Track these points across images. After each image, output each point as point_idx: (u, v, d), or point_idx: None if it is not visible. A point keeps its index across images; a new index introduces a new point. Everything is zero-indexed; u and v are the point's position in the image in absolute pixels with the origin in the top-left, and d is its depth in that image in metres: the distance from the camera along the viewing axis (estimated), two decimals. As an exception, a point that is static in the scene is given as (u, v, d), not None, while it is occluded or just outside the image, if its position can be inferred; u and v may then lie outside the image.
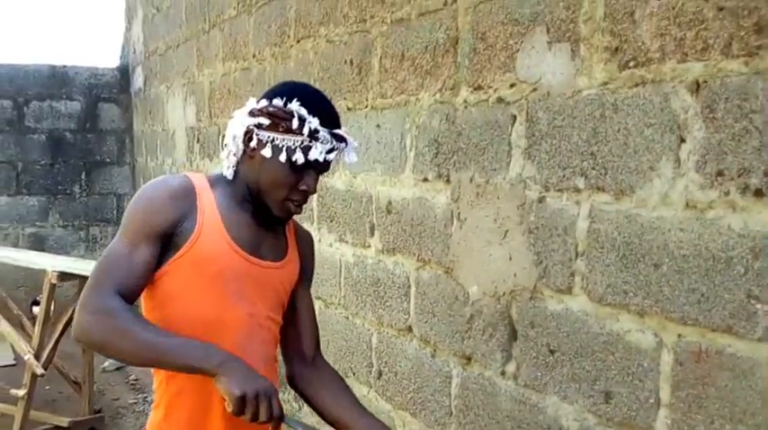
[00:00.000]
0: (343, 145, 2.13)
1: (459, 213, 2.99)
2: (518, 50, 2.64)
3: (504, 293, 2.76)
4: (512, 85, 2.67)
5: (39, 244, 9.06)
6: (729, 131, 1.93)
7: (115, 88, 9.48)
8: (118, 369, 7.08)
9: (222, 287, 2.09)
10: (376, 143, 3.59)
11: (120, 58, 9.76)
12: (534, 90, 2.57)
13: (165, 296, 2.11)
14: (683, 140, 2.05)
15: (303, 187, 2.10)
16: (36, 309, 6.24)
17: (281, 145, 2.06)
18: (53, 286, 5.54)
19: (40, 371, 5.35)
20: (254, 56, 5.10)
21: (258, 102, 2.12)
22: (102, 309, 1.93)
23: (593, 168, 2.34)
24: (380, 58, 3.51)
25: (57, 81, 9.15)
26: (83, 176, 9.35)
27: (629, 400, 2.26)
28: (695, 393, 2.05)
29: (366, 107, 3.66)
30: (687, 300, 2.06)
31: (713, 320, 1.99)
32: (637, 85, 2.19)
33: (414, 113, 3.27)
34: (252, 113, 2.10)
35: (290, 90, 2.13)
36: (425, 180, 3.21)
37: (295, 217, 2.29)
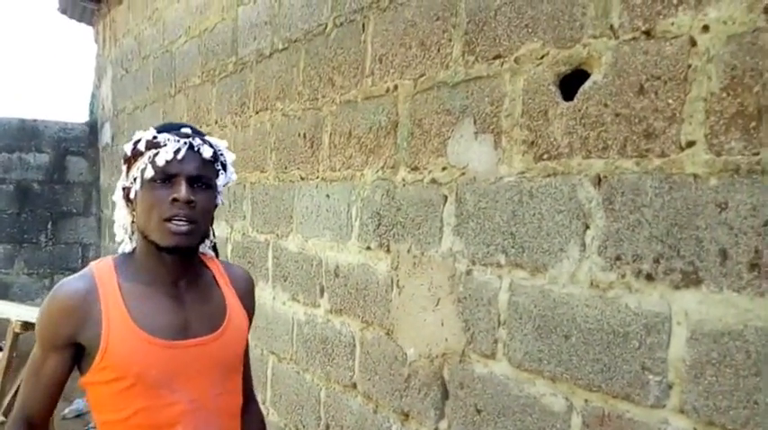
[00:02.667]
0: (191, 139, 1.97)
1: (398, 280, 3.19)
2: (449, 137, 2.86)
3: (437, 356, 2.95)
4: (444, 168, 2.89)
5: (3, 290, 9.06)
6: (625, 221, 2.16)
7: (83, 142, 9.53)
8: (77, 416, 7.12)
9: (150, 386, 1.91)
10: (326, 211, 3.77)
11: (90, 113, 9.82)
12: (463, 174, 2.79)
13: (98, 404, 1.99)
14: (587, 227, 2.29)
15: (173, 196, 1.89)
16: (-1, 355, 6.27)
17: (136, 174, 1.95)
18: (16, 335, 5.60)
19: (0, 418, 5.41)
20: (216, 122, 5.24)
21: None
22: None
23: (513, 247, 2.57)
24: (330, 134, 3.71)
25: (26, 134, 9.20)
26: (49, 226, 9.36)
27: (544, 458, 2.45)
28: (600, 453, 2.25)
29: (317, 178, 3.84)
30: (592, 368, 2.28)
31: (614, 388, 2.21)
32: (549, 175, 2.42)
33: (359, 187, 3.46)
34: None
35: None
36: (369, 248, 3.40)
37: (228, 264, 2.28)
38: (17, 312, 6.01)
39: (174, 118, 6.16)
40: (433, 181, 2.95)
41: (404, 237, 3.14)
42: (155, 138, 1.95)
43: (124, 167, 2.03)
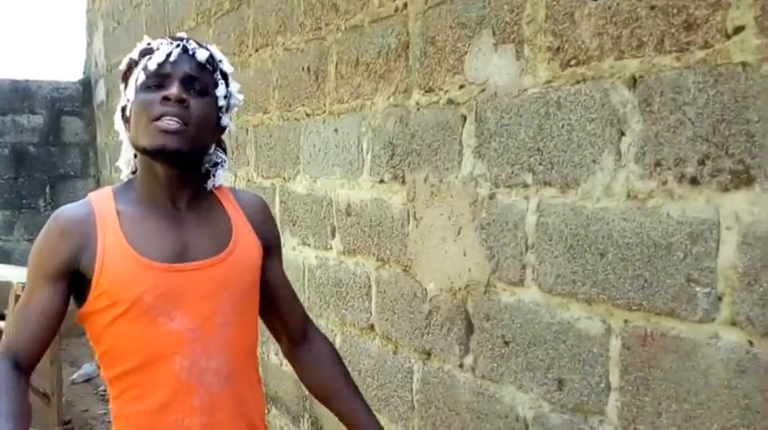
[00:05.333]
0: (184, 42, 1.87)
1: (414, 213, 3.05)
2: (466, 53, 2.71)
3: (459, 288, 2.82)
4: (461, 87, 2.75)
5: (4, 258, 8.94)
6: (665, 123, 2.01)
7: (78, 101, 9.40)
8: (87, 381, 7.06)
9: (145, 312, 1.82)
10: (334, 147, 3.64)
11: (83, 71, 9.70)
12: (482, 90, 2.64)
13: (95, 336, 1.89)
14: (622, 134, 2.14)
15: (164, 93, 1.79)
16: (1, 324, 6.17)
17: (132, 84, 1.86)
18: (18, 298, 5.51)
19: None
20: (213, 65, 5.08)
21: None
22: None
23: (540, 164, 2.42)
24: (336, 64, 3.57)
25: (19, 95, 9.07)
26: (47, 190, 9.26)
27: (580, 386, 2.33)
28: (643, 376, 2.12)
29: (324, 112, 3.71)
30: (632, 286, 2.14)
31: (657, 304, 2.07)
32: (578, 82, 2.27)
33: (369, 117, 3.33)
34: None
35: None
36: (382, 182, 3.27)
37: (239, 190, 2.16)
38: (19, 275, 5.90)
39: (170, 67, 6.00)
40: (450, 101, 2.80)
41: (420, 166, 3.00)
42: (148, 44, 1.89)
43: (122, 86, 1.94)
